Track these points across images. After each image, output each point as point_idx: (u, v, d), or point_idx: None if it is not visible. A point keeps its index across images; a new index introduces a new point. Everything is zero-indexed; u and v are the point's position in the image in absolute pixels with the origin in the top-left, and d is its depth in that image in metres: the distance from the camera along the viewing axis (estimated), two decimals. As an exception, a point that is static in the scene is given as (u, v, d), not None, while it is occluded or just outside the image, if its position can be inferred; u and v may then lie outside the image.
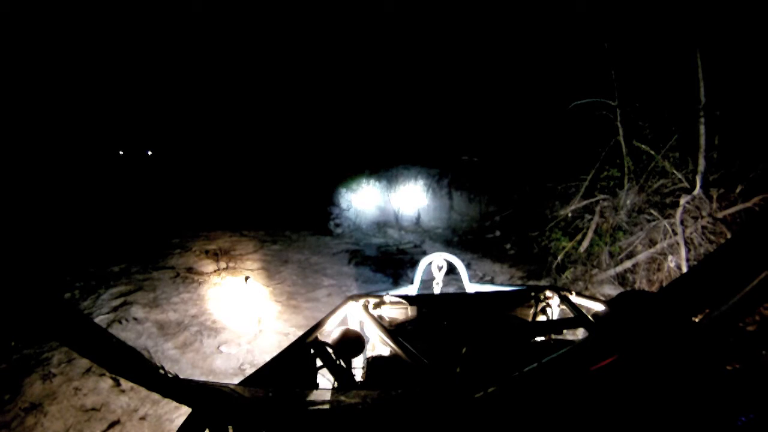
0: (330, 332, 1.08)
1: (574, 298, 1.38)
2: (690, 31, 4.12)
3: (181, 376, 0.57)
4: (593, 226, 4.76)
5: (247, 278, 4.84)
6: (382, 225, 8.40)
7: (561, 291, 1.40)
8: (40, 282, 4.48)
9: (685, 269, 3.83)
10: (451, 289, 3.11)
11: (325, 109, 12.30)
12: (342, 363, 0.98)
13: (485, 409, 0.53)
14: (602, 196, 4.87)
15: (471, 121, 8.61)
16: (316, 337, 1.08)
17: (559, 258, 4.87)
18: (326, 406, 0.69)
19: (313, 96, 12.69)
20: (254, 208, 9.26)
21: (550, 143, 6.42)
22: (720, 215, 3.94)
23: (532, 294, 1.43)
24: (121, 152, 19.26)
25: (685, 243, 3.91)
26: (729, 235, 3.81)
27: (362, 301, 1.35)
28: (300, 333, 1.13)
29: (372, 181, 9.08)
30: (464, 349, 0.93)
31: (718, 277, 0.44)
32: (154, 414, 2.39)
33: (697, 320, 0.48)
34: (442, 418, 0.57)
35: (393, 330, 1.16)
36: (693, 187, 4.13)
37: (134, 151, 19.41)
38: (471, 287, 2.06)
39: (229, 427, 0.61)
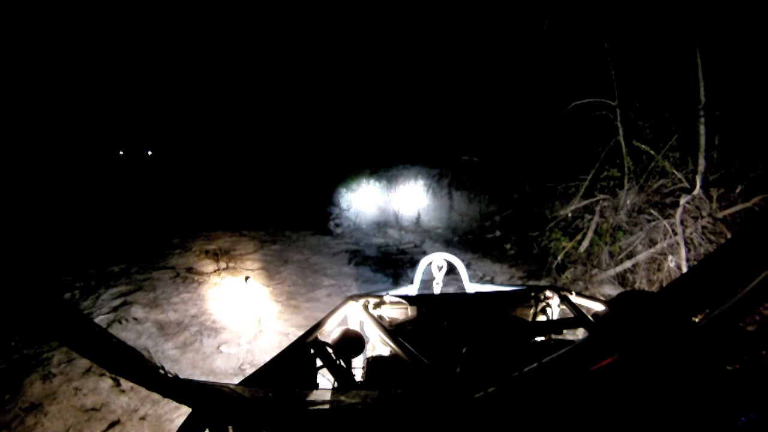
0: (330, 332, 1.08)
1: (574, 298, 1.38)
2: (690, 31, 4.12)
3: (181, 376, 0.57)
4: (593, 226, 4.76)
5: (247, 278, 4.84)
6: (382, 225, 8.40)
7: (561, 291, 1.40)
8: (40, 282, 4.47)
9: (685, 269, 3.83)
10: (451, 289, 3.11)
11: (326, 109, 12.30)
12: (342, 363, 0.98)
13: (485, 409, 0.53)
14: (602, 196, 4.87)
15: (471, 121, 8.60)
16: (316, 337, 1.08)
17: (559, 258, 4.87)
18: (326, 406, 0.69)
19: (314, 96, 12.69)
20: (254, 208, 9.27)
21: (550, 143, 6.41)
22: (720, 215, 3.93)
23: (532, 294, 1.43)
24: (121, 152, 19.30)
25: (685, 243, 3.91)
26: (729, 235, 3.81)
27: (362, 301, 1.35)
28: (300, 333, 1.13)
29: (372, 181, 9.07)
30: (464, 349, 0.93)
31: (718, 277, 0.44)
32: (154, 414, 2.39)
33: (697, 320, 0.48)
34: (442, 418, 0.56)
35: (393, 330, 1.16)
36: (693, 187, 4.13)
37: (134, 151, 19.45)
38: (471, 287, 2.06)
39: (229, 427, 0.61)
